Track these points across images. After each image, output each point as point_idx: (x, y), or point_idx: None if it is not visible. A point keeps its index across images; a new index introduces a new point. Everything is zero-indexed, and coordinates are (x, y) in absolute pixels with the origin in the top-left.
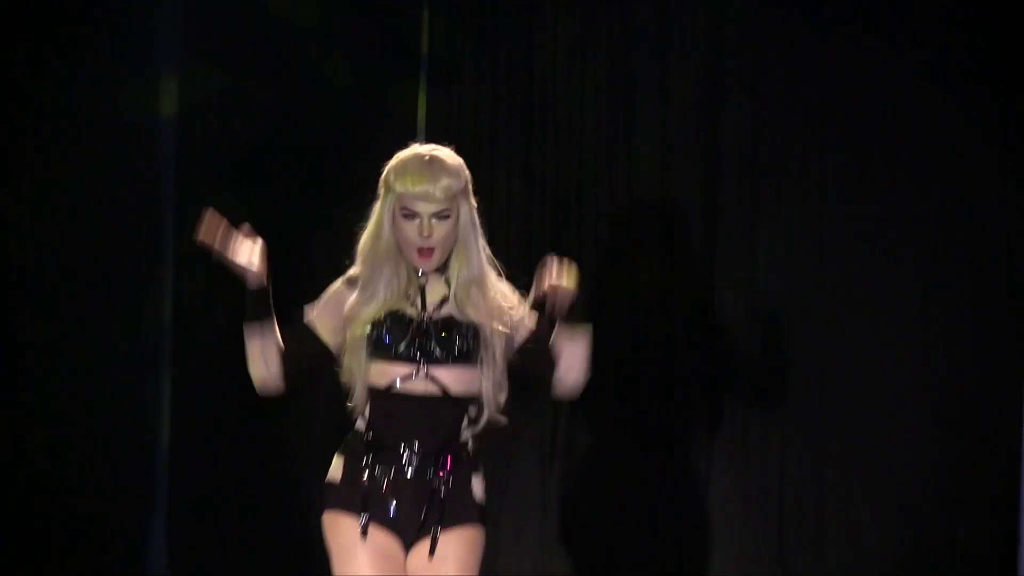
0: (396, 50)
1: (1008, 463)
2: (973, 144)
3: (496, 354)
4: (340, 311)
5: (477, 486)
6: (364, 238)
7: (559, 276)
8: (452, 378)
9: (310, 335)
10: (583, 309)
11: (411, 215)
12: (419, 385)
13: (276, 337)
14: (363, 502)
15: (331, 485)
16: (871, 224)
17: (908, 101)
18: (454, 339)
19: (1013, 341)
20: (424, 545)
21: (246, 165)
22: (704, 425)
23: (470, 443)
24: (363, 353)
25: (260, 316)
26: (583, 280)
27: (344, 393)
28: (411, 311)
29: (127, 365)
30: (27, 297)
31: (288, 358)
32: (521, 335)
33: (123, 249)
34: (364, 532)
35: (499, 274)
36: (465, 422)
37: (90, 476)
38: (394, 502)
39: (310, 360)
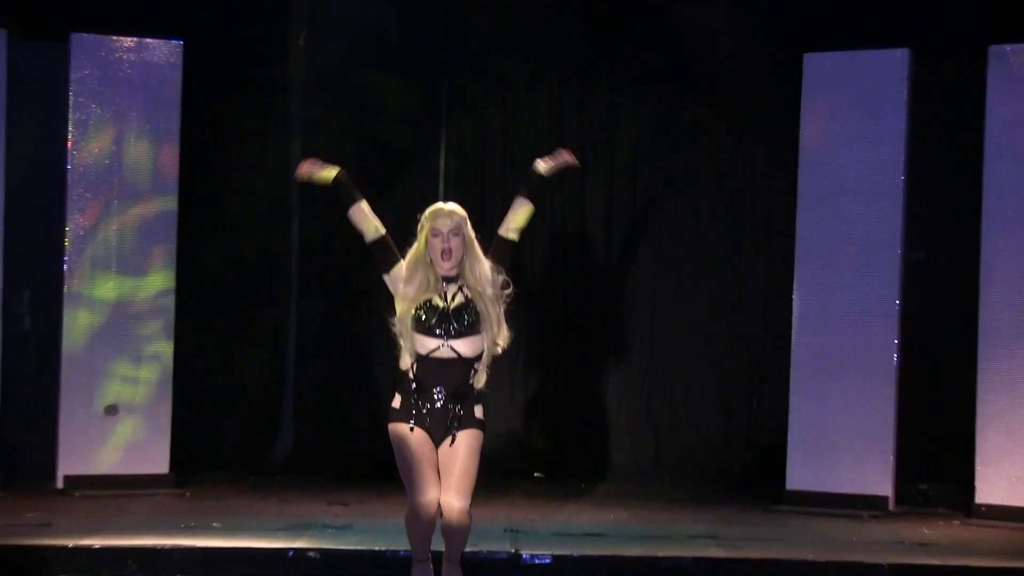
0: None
1: (781, 357)
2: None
3: (491, 314)
4: (400, 269)
5: (479, 411)
6: (411, 251)
7: (571, 159)
8: (464, 346)
9: (386, 243)
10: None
11: (438, 234)
12: (444, 353)
13: (363, 208)
14: (412, 417)
15: (393, 409)
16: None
17: None
18: (464, 319)
19: (784, 286)
20: (447, 442)
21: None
22: (607, 339)
23: (476, 385)
24: (409, 323)
25: (346, 197)
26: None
27: (395, 347)
28: (438, 302)
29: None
30: (213, 287)
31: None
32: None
33: (266, 253)
34: (412, 430)
35: (499, 273)
36: (472, 373)
37: (243, 390)
38: (428, 419)
39: (375, 240)
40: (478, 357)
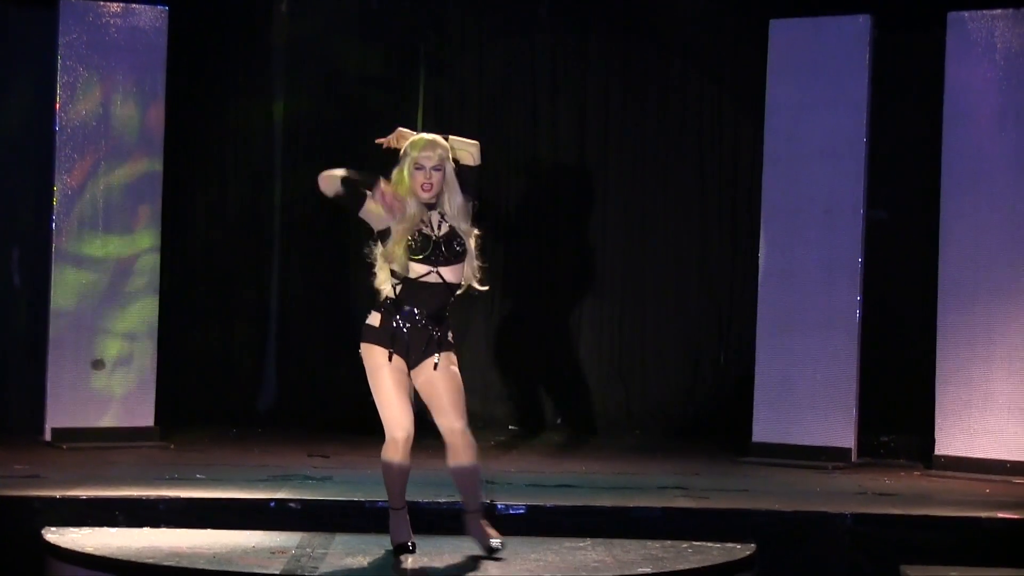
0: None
1: (748, 312)
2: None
3: (472, 245)
4: (370, 204)
5: (450, 334)
6: (395, 177)
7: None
8: (450, 274)
9: (359, 195)
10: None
11: (420, 167)
12: (431, 278)
13: (343, 187)
14: (391, 340)
15: (370, 327)
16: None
17: None
18: (454, 247)
19: (750, 243)
20: (426, 364)
21: (327, 148)
22: (578, 291)
23: (448, 310)
24: (400, 252)
25: (348, 193)
26: None
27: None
28: (427, 231)
29: (253, 264)
30: (198, 244)
31: (342, 187)
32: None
33: (250, 211)
34: (390, 358)
35: (471, 211)
36: (451, 299)
37: (227, 344)
38: (407, 339)
39: (345, 196)
40: (459, 285)
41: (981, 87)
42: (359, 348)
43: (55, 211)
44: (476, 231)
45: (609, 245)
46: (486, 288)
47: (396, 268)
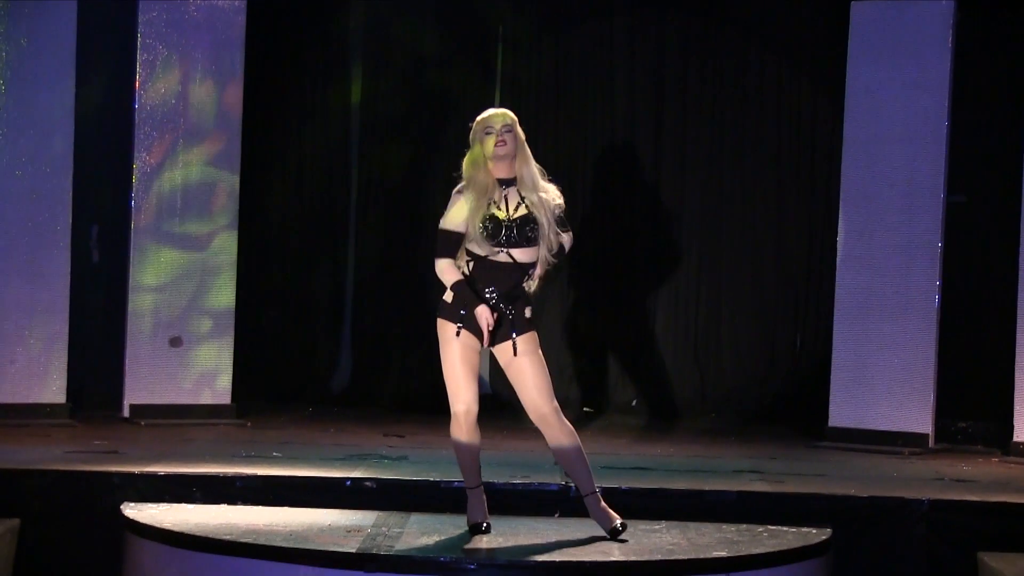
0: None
1: (825, 297)
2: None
3: (548, 232)
4: (461, 212)
5: (528, 312)
6: (466, 160)
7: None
8: (521, 254)
9: (454, 237)
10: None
11: (490, 131)
12: (501, 258)
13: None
14: (461, 317)
15: (444, 303)
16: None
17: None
18: (526, 232)
19: (828, 227)
20: (505, 346)
21: (404, 130)
22: (654, 275)
23: (528, 289)
24: (475, 234)
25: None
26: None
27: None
28: (499, 214)
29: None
30: (274, 223)
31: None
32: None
33: (327, 192)
34: (458, 333)
35: (545, 177)
36: (525, 277)
37: (303, 323)
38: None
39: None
40: (533, 264)
41: None
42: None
43: (134, 189)
44: (558, 200)
45: (685, 228)
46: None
47: (469, 246)
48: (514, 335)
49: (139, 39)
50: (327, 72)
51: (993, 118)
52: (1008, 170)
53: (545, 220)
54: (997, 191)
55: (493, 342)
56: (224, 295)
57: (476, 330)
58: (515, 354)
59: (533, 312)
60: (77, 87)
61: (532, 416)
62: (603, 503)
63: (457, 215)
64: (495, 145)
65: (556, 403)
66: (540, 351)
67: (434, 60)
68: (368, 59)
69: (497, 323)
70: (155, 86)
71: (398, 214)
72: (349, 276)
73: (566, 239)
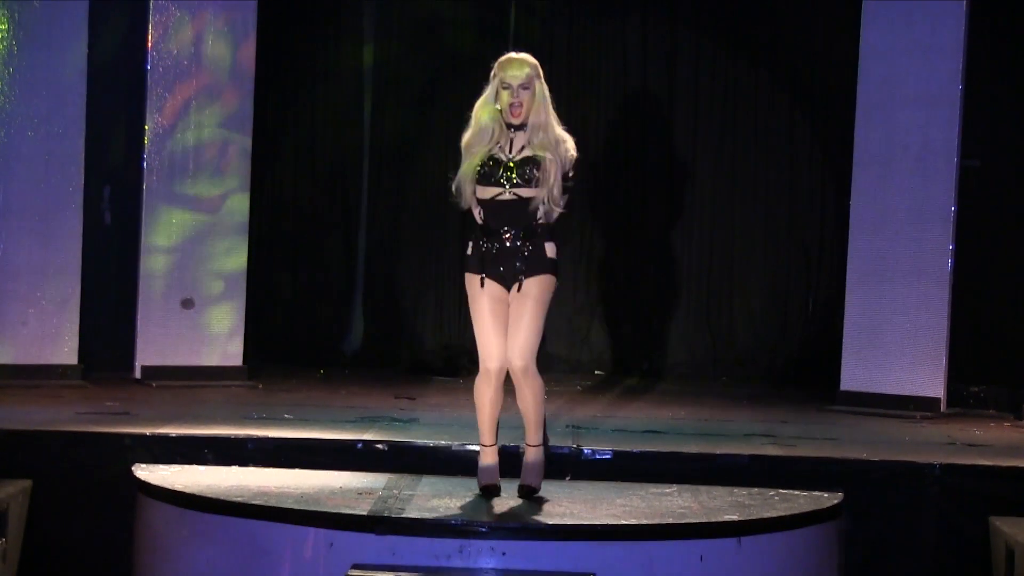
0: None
1: (837, 261)
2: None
3: (551, 175)
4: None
5: (550, 249)
6: (479, 103)
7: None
8: (526, 191)
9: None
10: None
11: (508, 87)
12: (507, 196)
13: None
14: (481, 264)
15: (467, 256)
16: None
17: None
18: (525, 172)
19: (840, 191)
20: (515, 287)
21: (416, 90)
22: (671, 259)
23: (543, 223)
24: (471, 175)
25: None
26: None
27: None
28: (502, 155)
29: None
30: (287, 185)
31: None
32: (566, 165)
33: (339, 154)
34: (482, 284)
35: (561, 126)
36: (538, 212)
37: (314, 285)
38: (499, 261)
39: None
40: (538, 203)
41: None
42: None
43: (146, 150)
44: (572, 152)
45: (698, 193)
46: (561, 211)
47: (470, 192)
48: (522, 277)
49: (152, 0)
50: (339, 33)
51: (1008, 81)
52: (1022, 134)
53: (550, 163)
54: (1011, 155)
55: (511, 283)
56: (236, 258)
57: (499, 276)
58: (519, 290)
59: (557, 251)
60: (90, 48)
61: (508, 358)
62: (540, 463)
63: (466, 170)
64: (510, 105)
65: (534, 363)
66: (547, 300)
67: (447, 22)
68: (381, 21)
69: (513, 261)
70: (167, 47)
71: (411, 177)
72: (361, 239)
73: (557, 205)
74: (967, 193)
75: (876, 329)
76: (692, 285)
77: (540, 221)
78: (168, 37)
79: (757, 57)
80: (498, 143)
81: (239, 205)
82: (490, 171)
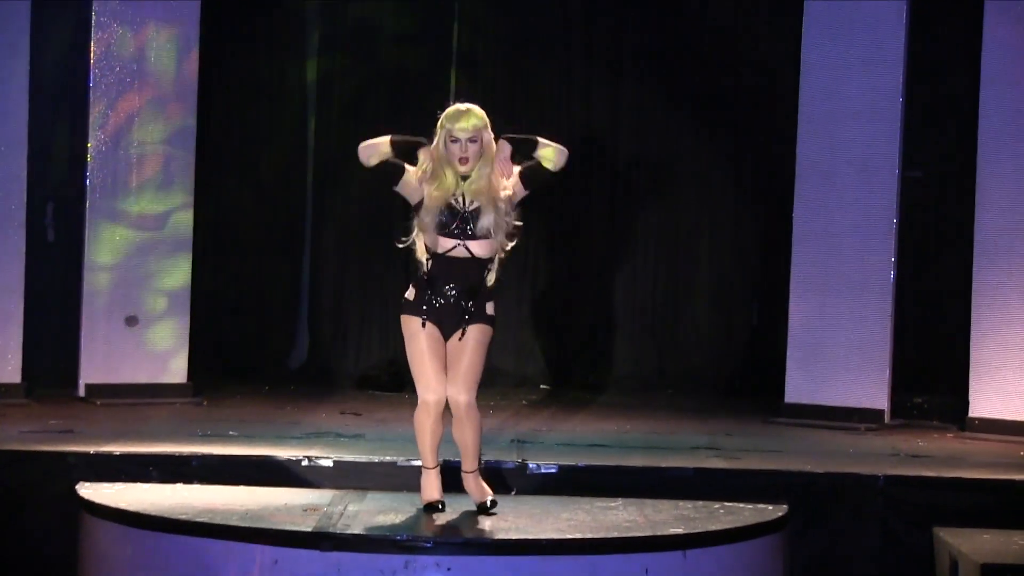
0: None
1: (781, 272)
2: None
3: (502, 224)
4: (409, 176)
5: (490, 307)
6: (432, 150)
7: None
8: (479, 248)
9: (399, 169)
10: (525, 142)
11: (455, 140)
12: (459, 252)
13: (388, 152)
14: (424, 312)
15: (407, 300)
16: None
17: None
18: (478, 222)
19: (784, 202)
20: (456, 336)
21: (361, 106)
22: (616, 271)
23: (489, 283)
24: (430, 223)
25: (399, 152)
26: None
27: (410, 251)
28: (456, 204)
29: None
30: (231, 199)
31: (388, 151)
32: (518, 187)
33: (283, 167)
34: (423, 325)
35: (506, 167)
36: (485, 272)
37: (259, 301)
38: (441, 314)
39: (393, 158)
40: (492, 259)
41: (1021, 45)
42: (399, 320)
43: (89, 166)
44: (507, 192)
45: (643, 203)
46: (512, 244)
47: (426, 241)
48: (464, 328)
49: (93, 17)
50: (283, 48)
51: (949, 92)
52: (964, 146)
53: (494, 214)
54: (953, 167)
55: (449, 335)
56: (180, 274)
57: (441, 322)
58: (460, 338)
59: (496, 308)
60: (31, 66)
61: (450, 399)
62: (481, 479)
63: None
64: (459, 161)
65: (474, 398)
66: (487, 346)
67: (390, 37)
68: (324, 36)
69: (455, 317)
70: (110, 64)
71: (355, 191)
72: (306, 254)
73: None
74: (910, 205)
75: (820, 341)
76: (637, 297)
77: (488, 284)
78: (110, 54)
79: (703, 68)
80: (452, 193)
81: (182, 221)
82: (447, 220)
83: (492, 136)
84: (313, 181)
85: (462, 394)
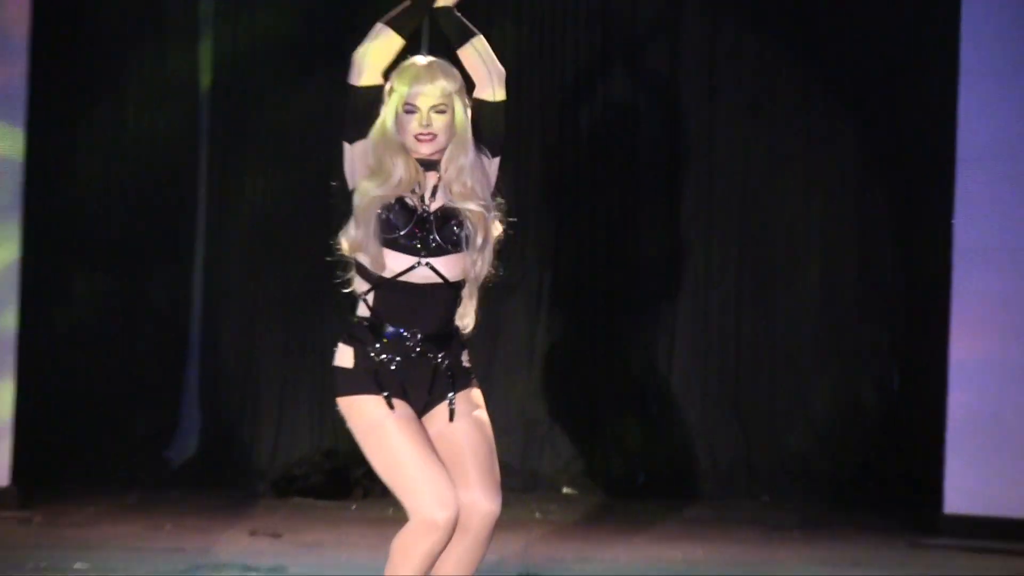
0: None
1: (933, 318)
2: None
3: (476, 237)
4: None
5: (465, 357)
6: (373, 134)
7: None
8: (449, 266)
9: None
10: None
11: (413, 109)
12: (421, 275)
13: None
14: (378, 383)
15: (343, 372)
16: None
17: None
18: (451, 228)
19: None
20: (437, 412)
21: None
22: (669, 284)
23: (465, 326)
24: (370, 229)
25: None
26: None
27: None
28: (412, 201)
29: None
30: (82, 229)
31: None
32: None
33: (164, 185)
34: (390, 405)
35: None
36: (457, 304)
37: (123, 370)
38: (403, 380)
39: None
40: (463, 281)
41: None
42: (336, 404)
43: None
44: (496, 206)
45: (721, 207)
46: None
47: (366, 261)
48: (450, 395)
49: None
50: (167, 43)
51: None
52: None
53: (480, 218)
54: None
55: (420, 411)
56: None
57: (405, 392)
58: (451, 419)
59: (471, 358)
60: None
61: (465, 509)
62: None
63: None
64: (416, 138)
65: (501, 498)
66: (485, 415)
67: (290, 8)
68: (218, 34)
69: (423, 381)
70: None
71: (264, 214)
72: (196, 295)
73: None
74: None
75: (998, 419)
76: (710, 353)
77: (464, 327)
78: None
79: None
80: (408, 184)
81: (7, 259)
82: (399, 226)
83: (468, 106)
84: (208, 199)
85: (489, 501)
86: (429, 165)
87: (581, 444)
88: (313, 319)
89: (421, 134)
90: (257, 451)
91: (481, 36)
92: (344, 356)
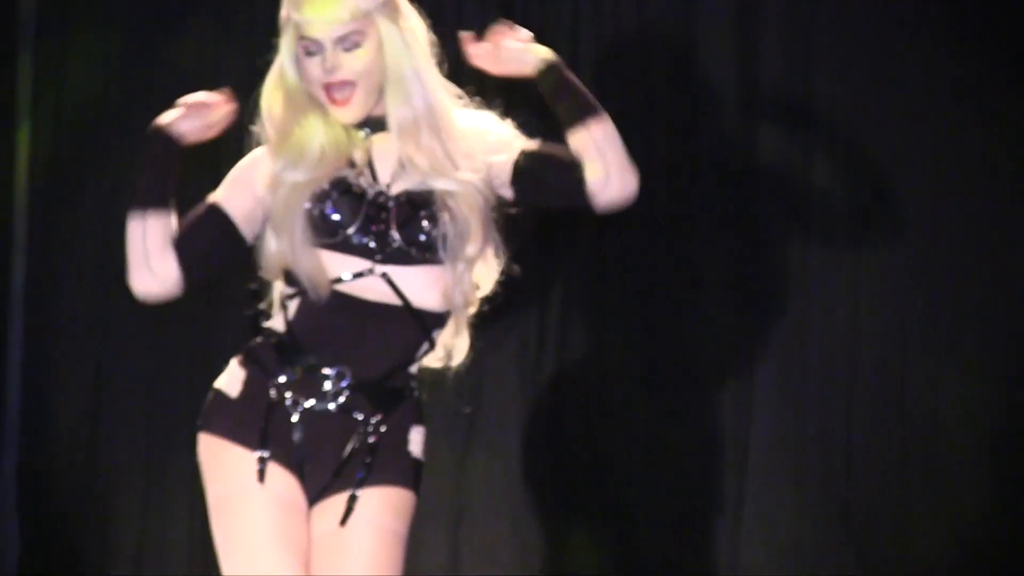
0: None
1: None
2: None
3: (468, 237)
4: (254, 188)
5: (416, 438)
6: (264, 94)
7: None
8: (419, 282)
9: (217, 217)
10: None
11: (313, 48)
12: (370, 289)
13: (169, 228)
14: (262, 435)
15: (223, 399)
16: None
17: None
18: (419, 227)
19: None
20: (333, 503)
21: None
22: (742, 332)
23: (417, 376)
24: (296, 235)
25: (154, 197)
26: None
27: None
28: (361, 181)
29: None
30: None
31: (186, 251)
32: (510, 159)
33: None
34: (261, 476)
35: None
36: (423, 345)
37: None
38: (304, 437)
39: (215, 253)
40: (440, 315)
41: None
42: (196, 438)
43: None
44: (494, 136)
45: (815, 228)
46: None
47: (300, 278)
48: (356, 489)
49: None
50: None
51: None
52: None
53: (464, 201)
54: None
55: (319, 491)
56: None
57: (304, 460)
58: (343, 523)
59: (425, 442)
60: None
61: None
62: None
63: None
64: (327, 92)
65: None
66: (407, 535)
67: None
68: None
69: (335, 448)
70: None
71: (107, 258)
72: (12, 362)
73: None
74: None
75: None
76: (803, 435)
77: (415, 372)
78: None
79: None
80: (347, 161)
81: None
82: (340, 210)
83: (408, 29)
84: (27, 233)
85: None
86: (372, 126)
87: (599, 554)
88: (178, 395)
89: (329, 84)
90: (101, 556)
91: (598, 107)
92: (231, 379)
